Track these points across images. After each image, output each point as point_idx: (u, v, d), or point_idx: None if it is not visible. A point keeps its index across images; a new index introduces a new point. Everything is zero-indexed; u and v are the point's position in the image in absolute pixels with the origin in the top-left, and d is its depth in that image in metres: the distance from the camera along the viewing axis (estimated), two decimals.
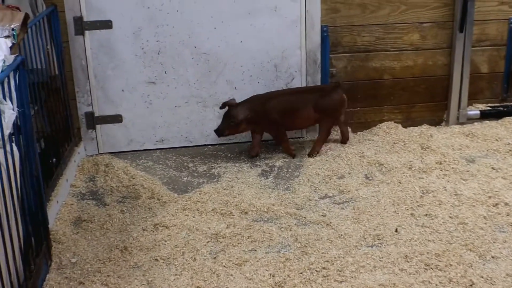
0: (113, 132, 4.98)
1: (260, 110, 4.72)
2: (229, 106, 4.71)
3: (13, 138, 2.98)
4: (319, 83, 5.04)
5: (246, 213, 3.93)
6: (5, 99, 2.83)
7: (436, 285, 3.13)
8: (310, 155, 4.79)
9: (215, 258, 3.43)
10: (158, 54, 4.84)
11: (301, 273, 3.25)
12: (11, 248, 2.80)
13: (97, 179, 4.55)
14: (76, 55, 4.75)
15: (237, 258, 3.40)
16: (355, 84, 5.17)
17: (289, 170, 4.57)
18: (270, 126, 4.82)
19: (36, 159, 3.26)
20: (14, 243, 2.85)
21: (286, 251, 3.47)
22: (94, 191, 4.37)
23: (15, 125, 2.93)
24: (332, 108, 4.79)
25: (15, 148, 2.96)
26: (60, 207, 4.07)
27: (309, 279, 3.20)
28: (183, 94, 4.94)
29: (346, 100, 4.85)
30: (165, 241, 3.63)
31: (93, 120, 4.90)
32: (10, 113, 2.82)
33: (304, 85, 5.05)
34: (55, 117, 4.36)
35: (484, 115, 5.34)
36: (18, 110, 2.94)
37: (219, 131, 4.73)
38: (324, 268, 3.29)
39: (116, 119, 4.94)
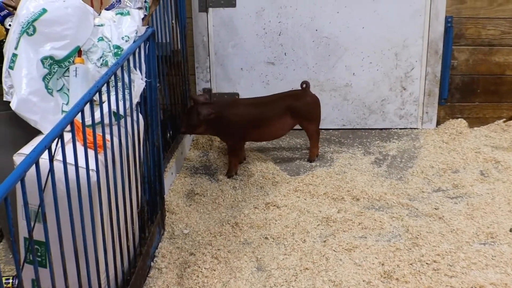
0: None
1: (224, 114, 4.21)
2: (195, 102, 4.21)
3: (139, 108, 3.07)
4: (439, 75, 4.94)
5: (357, 199, 3.91)
6: (135, 69, 2.91)
7: None
8: (311, 160, 4.53)
9: (325, 241, 3.44)
10: (279, 35, 4.86)
11: (411, 264, 3.22)
12: (131, 213, 2.89)
13: (210, 154, 4.63)
14: (199, 31, 4.83)
15: (347, 244, 3.39)
16: (476, 78, 5.03)
17: (403, 160, 4.52)
18: (228, 135, 4.31)
19: (158, 130, 3.34)
20: (133, 209, 2.93)
21: (396, 241, 3.44)
22: (207, 166, 4.44)
23: (142, 95, 3.01)
24: (312, 111, 4.47)
25: (140, 117, 3.04)
26: (174, 179, 4.17)
27: (419, 271, 3.16)
28: (301, 77, 4.92)
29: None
30: (276, 221, 3.67)
31: (210, 97, 4.98)
32: (140, 83, 2.90)
33: (424, 75, 4.95)
34: (174, 91, 4.45)
35: None
36: (146, 80, 3.02)
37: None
38: (434, 261, 3.24)
39: (233, 97, 5.00)
